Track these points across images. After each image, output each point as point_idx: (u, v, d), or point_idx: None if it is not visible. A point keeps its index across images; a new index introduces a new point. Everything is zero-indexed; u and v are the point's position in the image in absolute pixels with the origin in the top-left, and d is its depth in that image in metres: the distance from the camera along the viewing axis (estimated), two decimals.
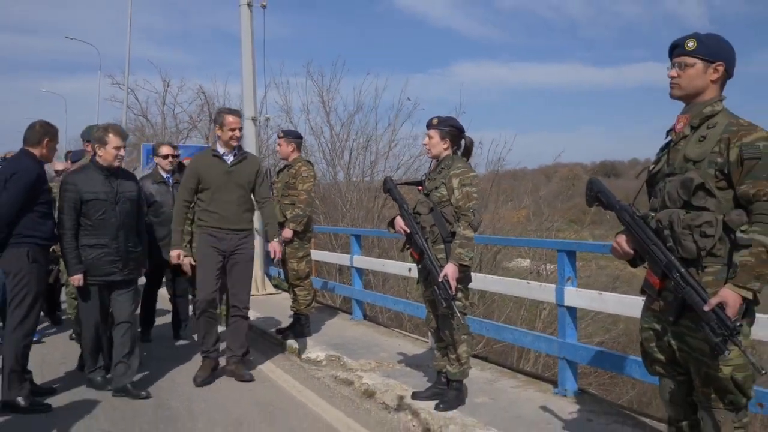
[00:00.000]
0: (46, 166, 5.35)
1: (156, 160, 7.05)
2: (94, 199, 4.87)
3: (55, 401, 4.87)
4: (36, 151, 4.83)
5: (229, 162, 5.47)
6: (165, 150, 6.98)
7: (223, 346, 5.77)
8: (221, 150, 5.51)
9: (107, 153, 4.94)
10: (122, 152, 5.05)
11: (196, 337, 6.42)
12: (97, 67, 67.79)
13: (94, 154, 5.07)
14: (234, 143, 5.51)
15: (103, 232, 4.91)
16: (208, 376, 5.50)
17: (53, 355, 6.32)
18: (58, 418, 4.58)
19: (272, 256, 5.82)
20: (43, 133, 4.86)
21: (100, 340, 5.13)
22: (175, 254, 5.54)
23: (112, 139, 4.95)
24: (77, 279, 4.85)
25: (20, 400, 4.65)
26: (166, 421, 4.61)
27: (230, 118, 5.42)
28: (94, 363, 5.19)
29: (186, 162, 7.80)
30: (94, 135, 5.08)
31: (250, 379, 5.58)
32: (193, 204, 5.63)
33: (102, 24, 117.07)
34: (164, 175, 6.92)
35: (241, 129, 5.62)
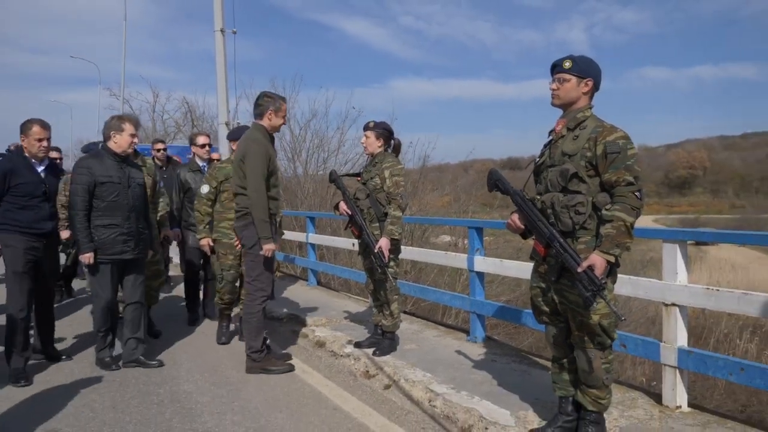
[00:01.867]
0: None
1: (193, 149, 6.16)
2: (108, 182, 4.30)
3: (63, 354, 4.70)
4: (24, 146, 4.36)
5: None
6: (202, 140, 6.12)
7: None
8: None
9: (123, 139, 4.38)
10: (136, 140, 4.49)
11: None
12: (97, 82, 65.35)
13: (106, 141, 4.43)
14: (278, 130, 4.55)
15: (117, 213, 4.32)
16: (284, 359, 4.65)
17: (63, 319, 6.10)
18: (64, 368, 4.45)
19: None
20: (20, 131, 4.33)
21: (111, 317, 4.47)
22: (271, 247, 4.23)
23: (128, 127, 4.39)
24: (88, 257, 4.25)
25: (20, 362, 4.23)
26: (155, 370, 4.48)
27: (285, 105, 4.51)
28: (104, 341, 4.49)
29: (176, 158, 7.46)
30: (110, 123, 4.42)
31: (291, 369, 4.48)
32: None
33: (102, 46, 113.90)
34: (200, 163, 6.07)
35: None
